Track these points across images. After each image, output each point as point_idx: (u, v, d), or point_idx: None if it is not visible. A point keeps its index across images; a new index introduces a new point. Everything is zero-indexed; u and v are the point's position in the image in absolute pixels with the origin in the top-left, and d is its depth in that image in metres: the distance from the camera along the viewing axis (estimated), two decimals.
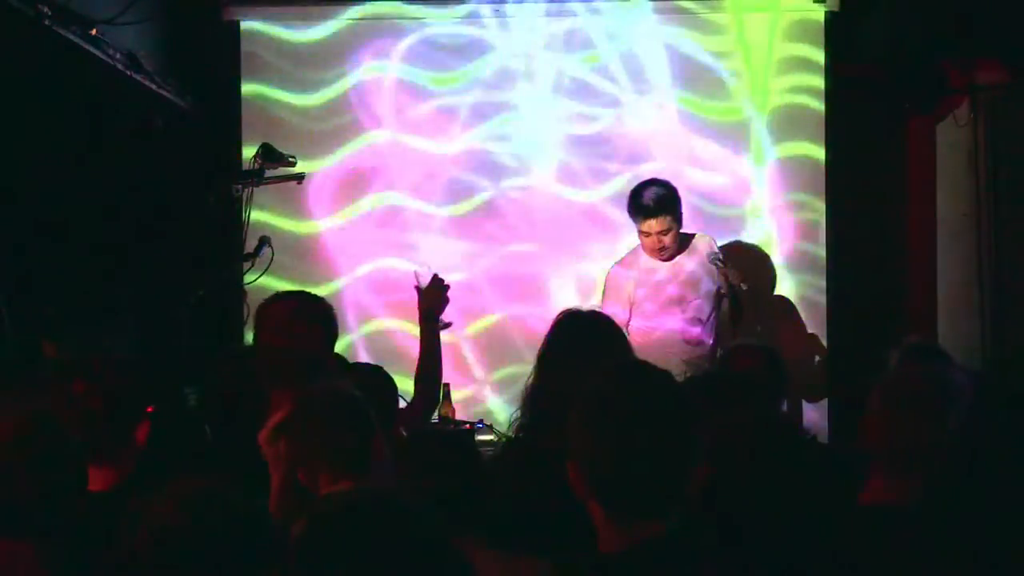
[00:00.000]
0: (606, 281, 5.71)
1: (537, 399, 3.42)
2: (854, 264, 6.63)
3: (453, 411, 5.92)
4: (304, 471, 2.86)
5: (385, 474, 2.89)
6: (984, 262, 6.48)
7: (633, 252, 5.67)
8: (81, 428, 2.79)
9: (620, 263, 5.70)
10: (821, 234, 6.49)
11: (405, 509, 1.73)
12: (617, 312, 5.27)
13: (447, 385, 6.01)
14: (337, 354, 4.34)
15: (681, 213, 5.53)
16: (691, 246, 5.60)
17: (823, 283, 6.47)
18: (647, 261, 5.59)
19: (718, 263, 5.34)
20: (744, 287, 5.25)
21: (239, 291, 5.78)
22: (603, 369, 2.20)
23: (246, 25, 6.50)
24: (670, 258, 5.51)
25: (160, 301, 5.74)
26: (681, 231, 5.58)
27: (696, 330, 5.52)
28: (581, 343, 3.42)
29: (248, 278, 5.90)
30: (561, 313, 3.57)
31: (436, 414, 5.90)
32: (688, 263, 5.57)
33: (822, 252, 6.48)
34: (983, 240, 6.50)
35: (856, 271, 6.63)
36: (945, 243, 6.72)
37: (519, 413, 3.48)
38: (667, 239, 5.47)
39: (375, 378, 3.96)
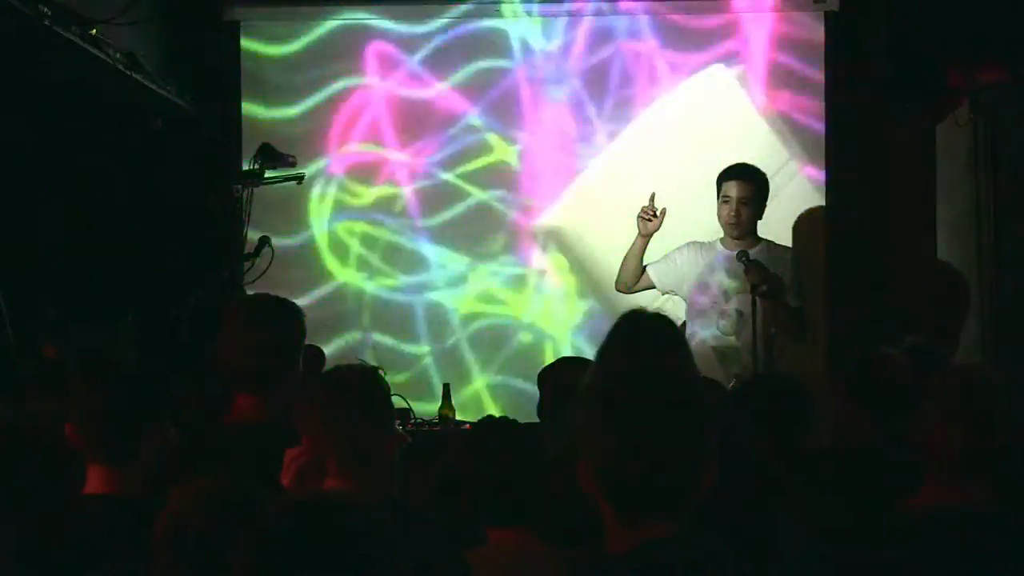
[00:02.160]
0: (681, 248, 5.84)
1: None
2: (854, 264, 6.62)
3: (453, 411, 5.93)
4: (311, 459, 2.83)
5: (390, 474, 2.88)
6: (984, 262, 6.47)
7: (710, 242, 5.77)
8: (85, 430, 2.78)
9: (697, 243, 5.84)
10: (821, 235, 6.48)
11: (366, 523, 1.71)
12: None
13: (447, 385, 6.03)
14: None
15: (763, 201, 5.68)
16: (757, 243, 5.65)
17: (823, 284, 6.46)
18: (714, 248, 5.67)
19: (742, 261, 5.40)
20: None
21: (239, 291, 5.78)
22: (613, 368, 2.20)
23: (246, 25, 6.50)
24: (739, 237, 5.53)
25: (160, 301, 5.73)
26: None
27: (725, 320, 5.57)
28: (640, 345, 3.41)
29: (248, 278, 5.90)
30: (625, 313, 3.57)
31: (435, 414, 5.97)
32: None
33: (822, 253, 6.47)
34: (983, 240, 6.49)
35: (856, 271, 6.62)
36: (945, 243, 6.72)
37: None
38: (744, 212, 5.58)
39: None
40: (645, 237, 5.78)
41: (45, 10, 4.60)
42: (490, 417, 3.07)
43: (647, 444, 2.06)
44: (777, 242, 5.89)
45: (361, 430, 2.80)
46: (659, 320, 3.54)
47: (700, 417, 2.11)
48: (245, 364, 3.24)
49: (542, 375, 3.94)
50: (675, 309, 5.91)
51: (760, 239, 5.65)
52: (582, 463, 2.12)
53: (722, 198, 5.62)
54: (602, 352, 3.45)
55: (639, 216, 5.80)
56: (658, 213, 5.77)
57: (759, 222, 5.75)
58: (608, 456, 2.08)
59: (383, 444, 2.85)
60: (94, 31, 5.02)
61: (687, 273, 5.67)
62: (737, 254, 5.45)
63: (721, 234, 5.71)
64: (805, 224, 6.48)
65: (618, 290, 5.93)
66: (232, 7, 6.47)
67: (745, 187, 5.58)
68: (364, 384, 2.88)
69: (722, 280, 5.58)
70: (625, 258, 5.86)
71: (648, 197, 5.82)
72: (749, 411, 3.38)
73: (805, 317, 5.64)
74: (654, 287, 5.85)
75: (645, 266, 5.82)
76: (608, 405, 2.12)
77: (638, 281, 5.83)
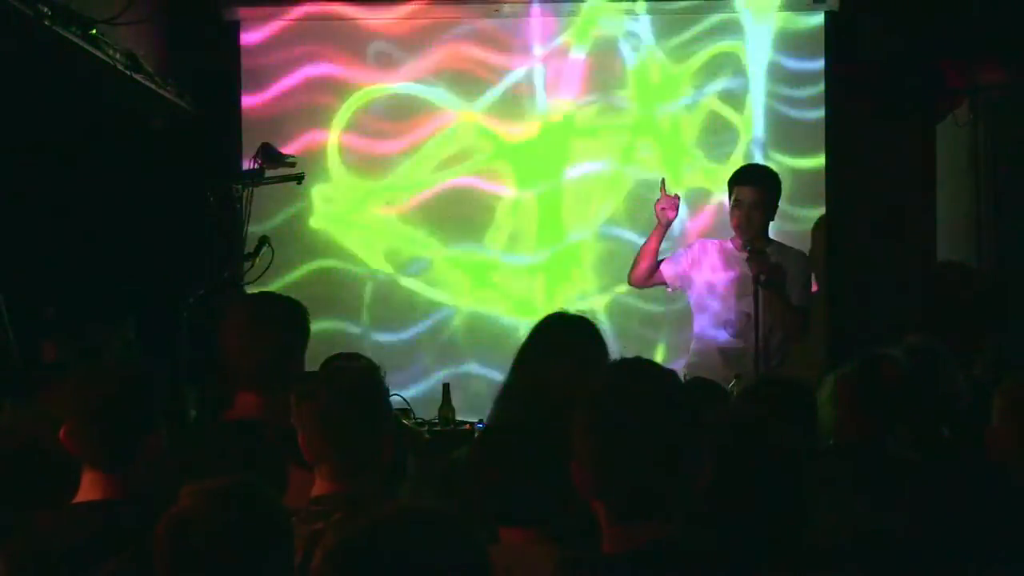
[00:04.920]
0: (692, 245, 5.76)
1: (509, 398, 3.42)
2: (854, 265, 6.63)
3: (453, 411, 5.92)
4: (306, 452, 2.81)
5: (379, 477, 2.87)
6: (984, 262, 6.47)
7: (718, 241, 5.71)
8: (83, 434, 2.75)
9: (707, 240, 5.75)
10: (821, 235, 6.48)
11: (449, 527, 1.73)
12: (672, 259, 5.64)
13: (447, 385, 6.02)
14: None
15: (775, 204, 5.58)
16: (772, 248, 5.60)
17: (823, 284, 6.46)
18: (725, 247, 5.64)
19: (746, 250, 5.36)
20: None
21: (239, 291, 5.78)
22: (607, 368, 2.20)
23: (246, 25, 6.50)
24: (750, 241, 5.49)
25: (160, 301, 5.73)
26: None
27: (733, 322, 5.54)
28: (558, 346, 3.42)
29: (248, 278, 5.90)
30: (548, 315, 3.57)
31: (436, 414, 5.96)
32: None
33: (822, 253, 6.48)
34: (983, 240, 6.49)
35: (856, 272, 6.63)
36: (945, 243, 6.72)
37: (492, 411, 3.48)
38: (755, 216, 5.49)
39: None
40: (664, 227, 5.64)
41: (45, 10, 4.59)
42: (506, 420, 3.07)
43: (637, 447, 2.06)
44: (788, 244, 5.84)
45: (359, 434, 2.78)
46: (582, 323, 3.55)
47: (691, 418, 2.11)
48: (248, 362, 3.23)
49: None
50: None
51: (771, 241, 5.62)
52: (575, 464, 2.12)
53: (734, 201, 5.54)
54: (521, 351, 3.46)
55: (658, 207, 5.63)
56: (674, 199, 5.64)
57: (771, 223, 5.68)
58: (599, 459, 2.08)
59: (380, 447, 2.83)
60: (94, 31, 5.02)
61: (697, 271, 5.63)
62: (744, 246, 5.43)
63: (732, 234, 5.67)
64: (805, 223, 6.48)
65: (631, 284, 5.79)
66: (232, 7, 6.47)
67: (756, 192, 5.51)
68: (363, 387, 2.86)
69: (731, 281, 5.56)
70: (641, 251, 5.69)
71: (659, 185, 5.68)
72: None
73: (808, 318, 5.61)
74: (666, 283, 5.74)
75: (659, 261, 5.68)
76: (600, 406, 2.12)
77: (652, 276, 5.71)
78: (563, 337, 3.49)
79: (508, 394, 3.46)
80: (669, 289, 5.77)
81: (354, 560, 1.69)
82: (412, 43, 6.52)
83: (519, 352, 3.51)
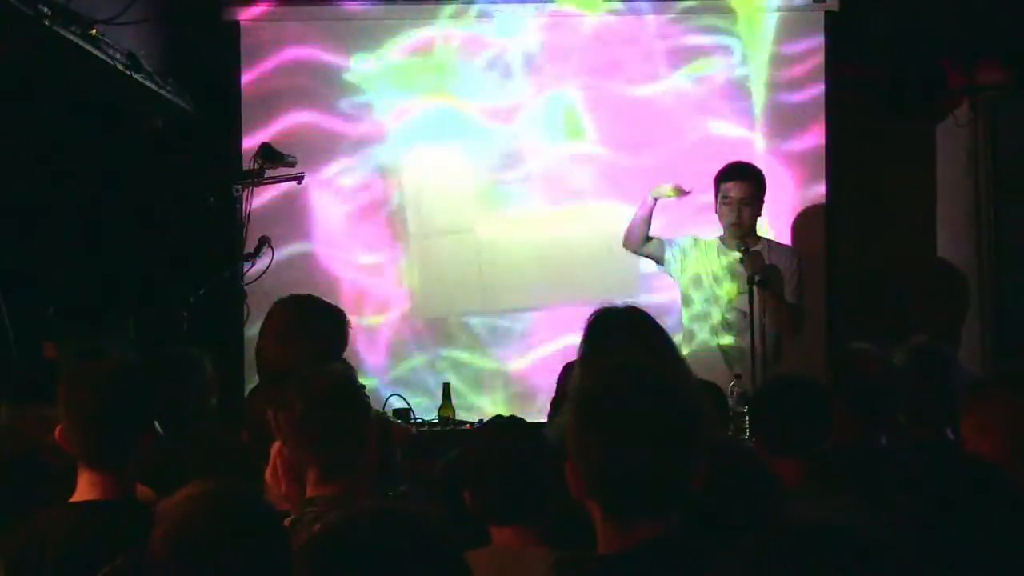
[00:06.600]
0: (687, 239, 5.76)
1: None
2: (854, 265, 6.63)
3: (453, 411, 5.93)
4: (293, 461, 2.82)
5: (369, 474, 2.87)
6: (984, 262, 6.48)
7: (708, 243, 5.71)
8: (80, 434, 2.74)
9: (700, 240, 5.73)
10: (821, 235, 6.49)
11: (421, 527, 1.72)
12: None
13: (447, 385, 6.04)
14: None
15: (763, 199, 5.61)
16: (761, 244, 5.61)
17: (822, 284, 6.46)
18: (714, 247, 5.65)
19: (740, 251, 5.37)
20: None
21: (239, 291, 5.79)
22: (599, 368, 2.19)
23: (246, 25, 6.50)
24: (742, 237, 5.50)
25: (160, 301, 5.73)
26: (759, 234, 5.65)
27: (729, 320, 5.55)
28: (617, 341, 3.38)
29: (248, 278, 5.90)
30: (595, 311, 3.53)
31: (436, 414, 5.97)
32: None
33: (822, 253, 6.48)
34: (983, 240, 6.50)
35: (856, 272, 6.63)
36: (945, 243, 6.72)
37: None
38: (745, 212, 5.52)
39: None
40: (656, 199, 5.63)
41: (45, 10, 4.59)
42: (499, 416, 3.06)
43: (633, 445, 2.06)
44: (778, 241, 5.87)
45: (337, 436, 2.78)
46: (633, 314, 3.52)
47: (687, 417, 2.11)
48: (286, 364, 3.23)
49: (564, 369, 3.90)
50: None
51: (761, 238, 5.64)
52: (570, 464, 2.12)
53: (722, 199, 5.55)
54: (582, 353, 3.43)
55: (672, 187, 5.65)
56: (684, 189, 5.65)
57: (759, 219, 5.70)
58: (595, 458, 2.08)
59: (362, 445, 2.84)
60: (94, 31, 5.02)
61: (689, 266, 5.63)
62: (737, 245, 5.44)
63: (719, 233, 5.67)
64: (805, 223, 6.49)
65: (625, 247, 5.77)
66: (232, 7, 6.47)
67: (745, 187, 5.53)
68: (335, 390, 2.86)
69: (725, 282, 5.56)
70: (634, 217, 5.71)
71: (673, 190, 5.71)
72: (769, 413, 3.38)
73: (803, 315, 5.62)
74: (658, 261, 5.73)
75: (651, 237, 5.68)
76: (593, 406, 2.12)
77: (645, 245, 5.69)
78: (621, 333, 3.43)
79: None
80: (659, 264, 5.75)
81: (324, 559, 1.69)
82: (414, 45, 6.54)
83: (579, 356, 3.45)
